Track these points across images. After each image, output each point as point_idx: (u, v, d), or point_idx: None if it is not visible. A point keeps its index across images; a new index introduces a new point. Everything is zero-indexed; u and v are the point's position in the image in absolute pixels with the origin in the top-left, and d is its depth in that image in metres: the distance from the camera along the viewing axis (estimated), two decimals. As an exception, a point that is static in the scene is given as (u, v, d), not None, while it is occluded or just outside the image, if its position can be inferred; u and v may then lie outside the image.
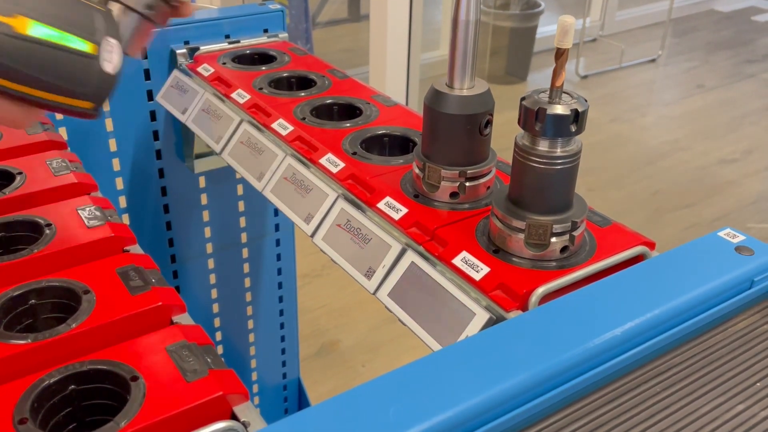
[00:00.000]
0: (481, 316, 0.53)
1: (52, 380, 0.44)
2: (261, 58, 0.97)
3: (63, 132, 0.95)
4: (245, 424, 0.43)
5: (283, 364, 1.33)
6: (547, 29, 3.51)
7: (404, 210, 0.63)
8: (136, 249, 0.59)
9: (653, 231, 2.32)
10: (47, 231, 0.58)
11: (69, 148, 0.75)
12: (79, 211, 0.61)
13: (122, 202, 1.04)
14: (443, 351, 0.43)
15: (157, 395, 0.43)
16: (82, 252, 0.56)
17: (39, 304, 0.52)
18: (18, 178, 0.65)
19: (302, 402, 1.39)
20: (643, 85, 3.43)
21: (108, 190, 1.02)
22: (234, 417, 0.44)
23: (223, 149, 0.82)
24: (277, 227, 1.20)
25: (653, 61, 3.67)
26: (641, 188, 2.55)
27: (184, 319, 0.51)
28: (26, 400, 0.43)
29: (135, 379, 0.44)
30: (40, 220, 0.59)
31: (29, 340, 0.47)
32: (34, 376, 0.44)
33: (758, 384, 0.44)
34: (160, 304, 0.50)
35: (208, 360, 0.46)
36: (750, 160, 2.76)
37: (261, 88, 0.86)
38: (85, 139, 0.96)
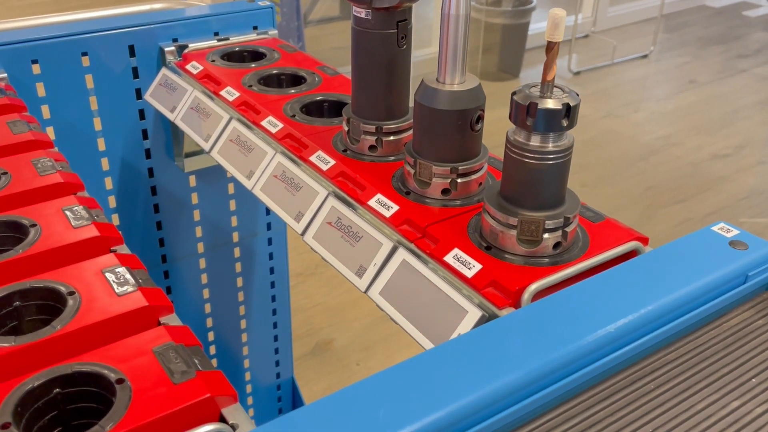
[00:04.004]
0: (474, 314, 0.52)
1: (36, 383, 0.43)
2: (250, 55, 0.96)
3: (50, 131, 0.93)
4: (234, 426, 0.43)
5: (277, 363, 1.32)
6: (539, 26, 3.50)
7: (395, 207, 0.62)
8: (123, 249, 0.58)
9: (646, 226, 2.32)
10: (32, 231, 0.57)
11: (56, 148, 0.74)
12: (65, 211, 0.60)
13: (112, 202, 1.03)
14: (434, 350, 0.42)
15: (143, 398, 0.42)
16: (67, 252, 0.55)
17: (24, 305, 0.51)
18: (3, 178, 0.64)
19: (296, 402, 1.38)
20: (635, 80, 3.43)
21: (97, 190, 1.01)
22: (222, 419, 0.43)
23: (212, 148, 0.81)
24: (269, 226, 1.19)
25: (645, 56, 3.67)
26: (634, 184, 2.55)
27: (171, 319, 0.50)
28: (9, 404, 0.42)
29: (121, 381, 0.43)
30: (24, 221, 0.58)
31: (13, 343, 0.46)
32: (18, 380, 0.43)
33: (753, 380, 0.44)
34: (146, 304, 0.49)
35: (196, 361, 0.45)
36: (742, 155, 2.76)
37: (250, 86, 0.85)
38: (73, 138, 0.95)
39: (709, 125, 2.99)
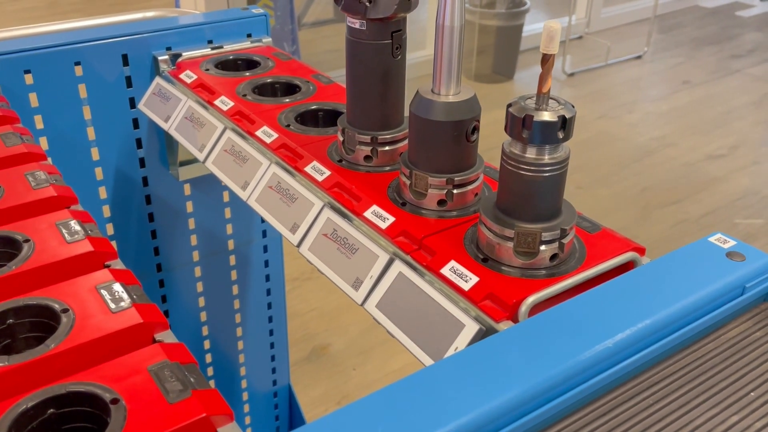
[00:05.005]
0: (471, 328, 0.52)
1: (30, 404, 0.43)
2: (244, 63, 0.96)
3: (44, 142, 0.93)
4: (230, 446, 0.42)
5: (273, 370, 1.32)
6: (533, 27, 3.51)
7: (391, 219, 0.62)
8: (117, 264, 0.57)
9: (642, 228, 2.32)
10: (25, 247, 0.57)
11: (50, 159, 0.73)
12: (59, 226, 0.59)
13: (106, 211, 1.03)
14: (433, 367, 0.42)
15: (138, 418, 0.42)
16: (61, 268, 0.55)
17: (17, 323, 0.50)
18: (-5, 192, 0.63)
19: (293, 408, 1.37)
20: (629, 81, 3.44)
21: (91, 200, 1.00)
22: (219, 438, 0.43)
23: (206, 158, 0.81)
24: (264, 233, 1.18)
25: (639, 57, 3.68)
26: (629, 185, 2.56)
27: (166, 336, 0.50)
28: (3, 425, 0.41)
29: (116, 401, 0.43)
30: (18, 236, 0.58)
31: (6, 363, 0.45)
32: (12, 401, 0.43)
33: (752, 393, 0.43)
34: (141, 321, 0.49)
35: (192, 380, 0.45)
36: (737, 155, 2.77)
37: (245, 95, 0.85)
38: (67, 148, 0.95)
39: (703, 126, 3.00)
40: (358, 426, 0.38)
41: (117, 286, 0.53)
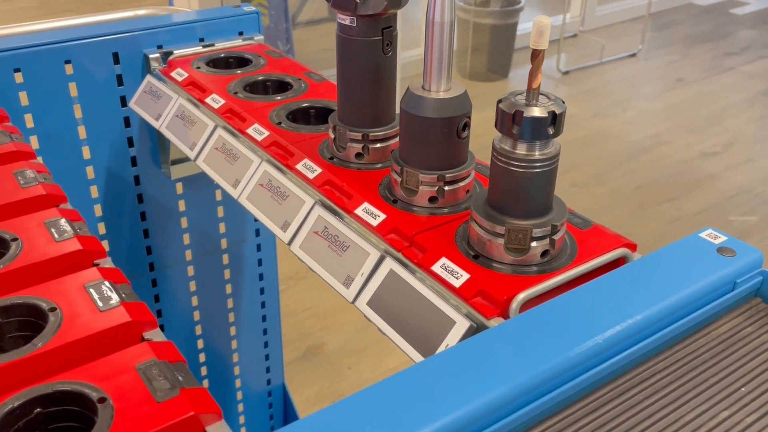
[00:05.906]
0: (462, 324, 0.52)
1: (16, 403, 0.43)
2: (236, 61, 0.95)
3: (34, 140, 0.92)
4: (219, 444, 0.42)
5: (267, 370, 1.31)
6: (527, 26, 3.51)
7: (382, 216, 0.62)
8: (106, 263, 0.57)
9: (637, 226, 2.32)
10: (13, 246, 0.56)
11: (42, 158, 0.73)
12: (47, 225, 0.59)
13: (98, 210, 1.02)
14: (422, 364, 0.42)
15: (125, 417, 0.41)
16: (49, 267, 0.55)
17: (5, 322, 0.50)
18: (-16, 191, 0.63)
19: (287, 408, 1.37)
20: (623, 79, 3.44)
21: (82, 199, 1.00)
22: (207, 437, 0.43)
23: (197, 156, 0.81)
24: (257, 232, 1.18)
25: (633, 55, 3.69)
26: (624, 183, 2.56)
27: (155, 335, 0.50)
28: (-11, 426, 0.41)
29: (103, 400, 0.42)
30: (6, 235, 0.57)
31: (-7, 362, 0.45)
32: (-2, 400, 0.43)
33: (743, 389, 0.43)
34: (129, 320, 0.49)
35: (180, 378, 0.44)
36: (731, 152, 2.78)
37: (236, 93, 0.85)
38: (58, 147, 0.94)
39: (697, 123, 3.00)
40: (347, 423, 0.38)
41: (105, 285, 0.52)
